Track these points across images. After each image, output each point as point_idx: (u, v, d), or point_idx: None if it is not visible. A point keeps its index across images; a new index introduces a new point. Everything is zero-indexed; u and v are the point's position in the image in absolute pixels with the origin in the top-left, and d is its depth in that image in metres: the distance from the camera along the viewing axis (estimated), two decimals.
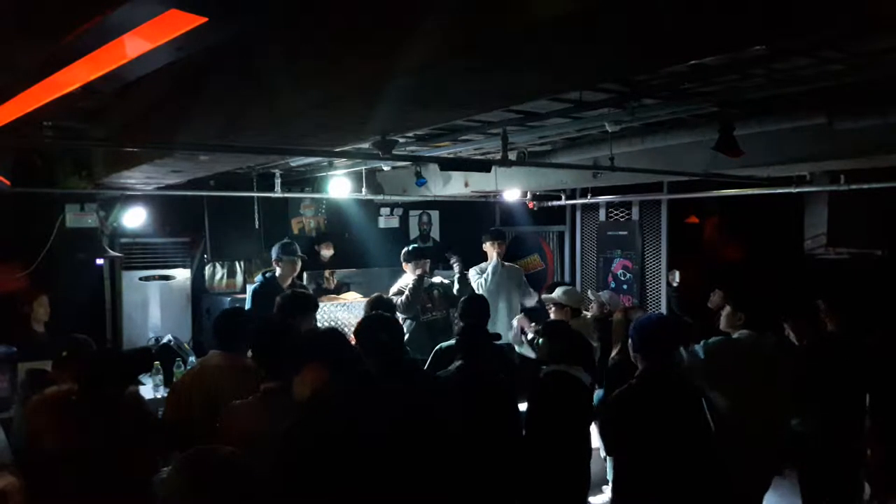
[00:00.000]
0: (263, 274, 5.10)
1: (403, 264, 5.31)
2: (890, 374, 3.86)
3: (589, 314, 4.96)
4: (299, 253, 5.09)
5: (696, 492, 3.03)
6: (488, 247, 5.77)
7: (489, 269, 5.63)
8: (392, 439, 2.28)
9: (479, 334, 3.46)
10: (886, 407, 3.82)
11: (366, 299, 6.11)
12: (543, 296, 4.92)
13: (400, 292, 5.14)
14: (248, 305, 4.93)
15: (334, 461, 2.18)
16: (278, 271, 4.98)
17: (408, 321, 4.99)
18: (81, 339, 3.43)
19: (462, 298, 4.47)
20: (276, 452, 2.22)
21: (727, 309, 3.62)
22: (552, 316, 4.70)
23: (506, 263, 5.86)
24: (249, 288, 6.49)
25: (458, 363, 3.34)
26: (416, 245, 5.54)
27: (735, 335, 3.49)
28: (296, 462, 2.22)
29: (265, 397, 2.68)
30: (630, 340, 3.10)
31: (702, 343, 3.42)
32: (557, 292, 4.67)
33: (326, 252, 7.07)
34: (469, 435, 2.97)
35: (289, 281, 4.94)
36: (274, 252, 5.04)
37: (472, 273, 5.67)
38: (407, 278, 5.28)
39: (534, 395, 3.47)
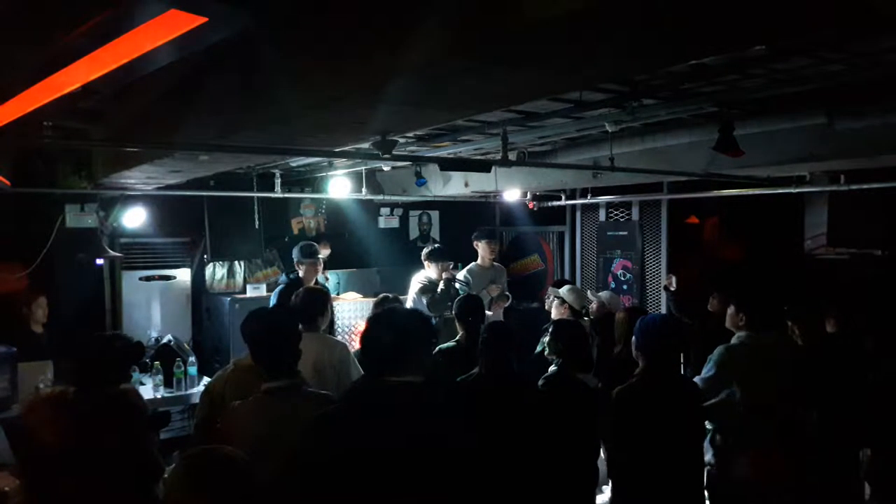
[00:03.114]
0: (287, 274, 5.24)
1: (426, 263, 5.41)
2: (889, 375, 3.86)
3: (588, 316, 4.96)
4: (319, 254, 5.21)
5: (694, 490, 3.05)
6: (483, 246, 5.74)
7: (488, 291, 5.51)
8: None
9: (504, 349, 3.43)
10: (885, 407, 3.81)
11: (365, 299, 6.15)
12: (550, 288, 4.97)
13: (425, 290, 5.20)
14: (272, 304, 4.92)
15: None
16: (301, 273, 5.11)
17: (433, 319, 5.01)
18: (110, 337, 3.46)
19: (461, 298, 4.47)
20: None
21: (731, 308, 3.63)
22: (553, 311, 4.72)
23: (495, 263, 5.89)
24: (250, 289, 6.57)
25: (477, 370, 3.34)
26: (439, 245, 5.59)
27: (734, 340, 3.51)
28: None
29: (265, 397, 2.68)
30: (633, 339, 3.11)
31: (710, 361, 3.43)
32: (564, 289, 4.74)
33: (324, 251, 7.06)
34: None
35: (312, 282, 5.02)
36: (294, 255, 5.17)
37: (462, 277, 5.60)
38: (426, 274, 5.37)
39: (538, 398, 3.45)
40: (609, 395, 3.20)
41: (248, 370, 3.05)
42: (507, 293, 5.81)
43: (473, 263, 5.77)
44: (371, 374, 2.43)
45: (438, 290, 5.21)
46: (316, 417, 2.39)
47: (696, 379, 3.42)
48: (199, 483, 1.69)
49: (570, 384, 3.35)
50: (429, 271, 5.40)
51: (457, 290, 5.34)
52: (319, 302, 3.82)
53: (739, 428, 3.36)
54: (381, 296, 4.70)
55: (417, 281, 5.36)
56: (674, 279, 5.76)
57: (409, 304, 5.14)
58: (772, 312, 3.72)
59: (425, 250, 5.50)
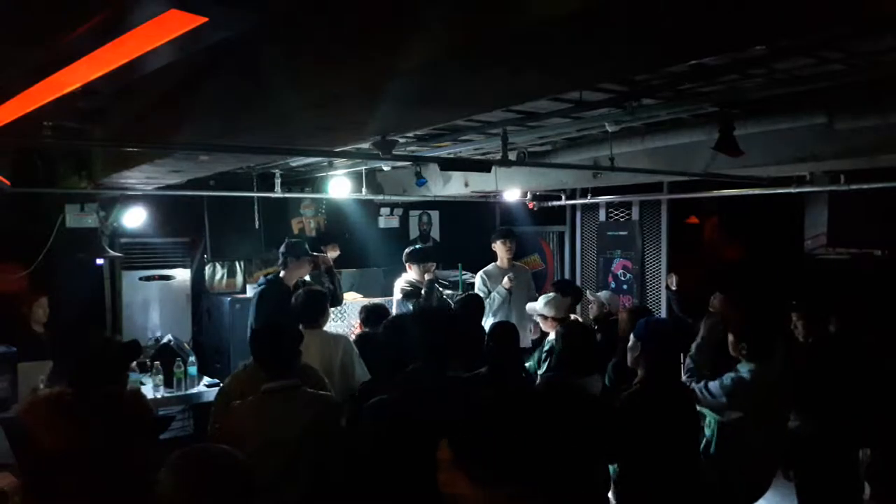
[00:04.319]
0: (266, 276, 5.05)
1: (407, 265, 5.33)
2: (890, 375, 3.86)
3: (578, 317, 4.93)
4: (310, 253, 4.99)
5: (692, 496, 3.04)
6: (498, 246, 5.73)
7: (502, 285, 5.48)
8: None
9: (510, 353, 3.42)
10: (886, 407, 3.82)
11: (365, 299, 6.15)
12: (527, 306, 4.76)
13: (408, 296, 5.14)
14: (252, 306, 4.82)
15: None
16: (286, 272, 4.85)
17: None
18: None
19: (462, 297, 4.50)
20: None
21: (731, 338, 3.59)
22: (541, 326, 4.57)
23: (516, 263, 5.84)
24: (250, 289, 6.57)
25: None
26: (420, 246, 5.52)
27: (746, 374, 3.44)
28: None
29: (266, 398, 2.68)
30: (637, 343, 3.09)
31: (718, 384, 3.41)
32: (539, 303, 4.46)
33: (332, 253, 7.01)
34: None
35: (294, 282, 4.81)
36: (286, 251, 4.90)
37: (478, 281, 5.60)
38: (409, 277, 5.31)
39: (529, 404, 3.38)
40: (614, 397, 3.19)
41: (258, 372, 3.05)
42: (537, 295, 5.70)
43: (492, 265, 5.74)
44: (429, 367, 2.50)
45: (422, 293, 5.11)
46: (372, 404, 2.48)
47: (700, 390, 3.39)
48: (194, 482, 1.68)
49: (565, 388, 3.29)
50: (410, 274, 5.30)
51: (440, 291, 5.32)
52: (320, 302, 3.91)
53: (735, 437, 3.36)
54: (372, 304, 4.71)
55: (400, 286, 5.28)
56: (675, 278, 5.76)
57: (393, 310, 5.08)
58: (771, 337, 3.67)
59: (406, 252, 5.39)
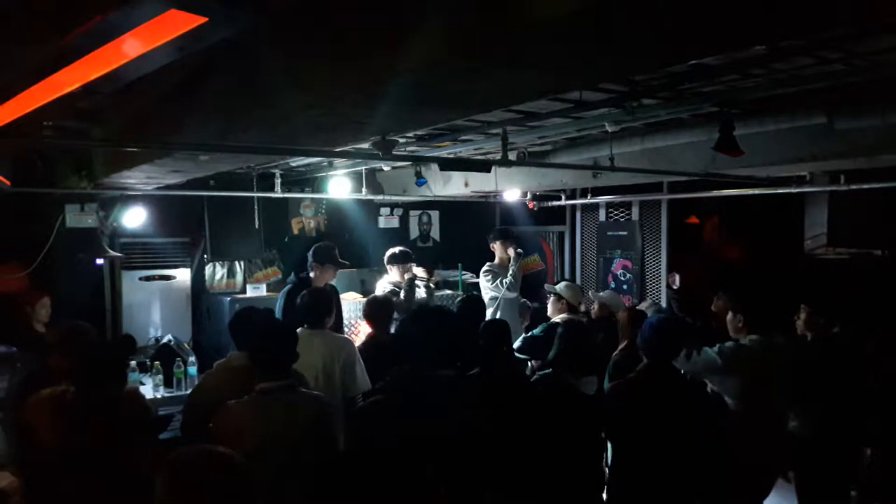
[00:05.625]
0: (297, 274, 5.06)
1: (388, 267, 5.39)
2: (889, 375, 3.86)
3: (583, 312, 5.03)
4: (336, 260, 5.03)
5: (689, 483, 3.06)
6: (498, 246, 5.75)
7: (511, 273, 5.51)
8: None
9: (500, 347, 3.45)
10: (885, 408, 3.82)
11: (365, 299, 6.15)
12: (546, 285, 5.07)
13: (392, 293, 5.15)
14: (279, 305, 4.84)
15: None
16: (315, 274, 4.90)
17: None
18: (84, 327, 3.41)
19: (463, 298, 4.53)
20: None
21: (729, 315, 3.60)
22: (549, 308, 4.80)
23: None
24: (250, 289, 6.56)
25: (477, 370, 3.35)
26: (402, 248, 5.52)
27: (745, 341, 3.45)
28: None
29: (260, 398, 2.68)
30: (639, 337, 3.13)
31: (717, 348, 3.41)
32: (561, 285, 4.85)
33: None
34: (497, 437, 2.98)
35: (322, 286, 4.81)
36: (314, 256, 4.96)
37: (484, 276, 5.63)
38: (390, 278, 5.37)
39: (526, 404, 3.26)
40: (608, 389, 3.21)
41: (235, 371, 3.04)
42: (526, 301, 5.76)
43: (489, 264, 5.75)
44: (414, 367, 2.50)
45: (402, 291, 5.17)
46: (362, 407, 2.49)
47: (685, 356, 3.38)
48: (191, 484, 1.68)
49: (562, 388, 3.20)
50: (392, 275, 5.37)
51: (417, 287, 5.37)
52: (326, 302, 3.91)
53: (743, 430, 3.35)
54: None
55: (381, 287, 5.30)
56: (677, 277, 5.75)
57: None
58: (770, 313, 3.68)
59: (387, 254, 5.45)
